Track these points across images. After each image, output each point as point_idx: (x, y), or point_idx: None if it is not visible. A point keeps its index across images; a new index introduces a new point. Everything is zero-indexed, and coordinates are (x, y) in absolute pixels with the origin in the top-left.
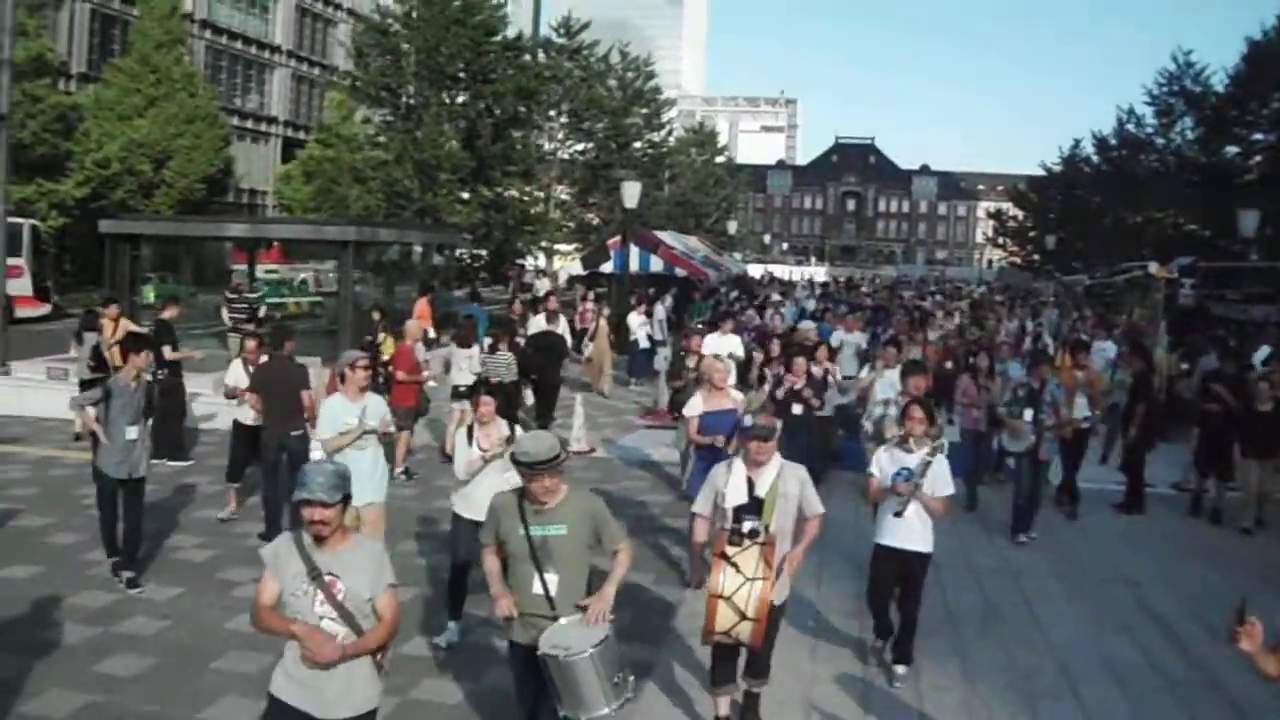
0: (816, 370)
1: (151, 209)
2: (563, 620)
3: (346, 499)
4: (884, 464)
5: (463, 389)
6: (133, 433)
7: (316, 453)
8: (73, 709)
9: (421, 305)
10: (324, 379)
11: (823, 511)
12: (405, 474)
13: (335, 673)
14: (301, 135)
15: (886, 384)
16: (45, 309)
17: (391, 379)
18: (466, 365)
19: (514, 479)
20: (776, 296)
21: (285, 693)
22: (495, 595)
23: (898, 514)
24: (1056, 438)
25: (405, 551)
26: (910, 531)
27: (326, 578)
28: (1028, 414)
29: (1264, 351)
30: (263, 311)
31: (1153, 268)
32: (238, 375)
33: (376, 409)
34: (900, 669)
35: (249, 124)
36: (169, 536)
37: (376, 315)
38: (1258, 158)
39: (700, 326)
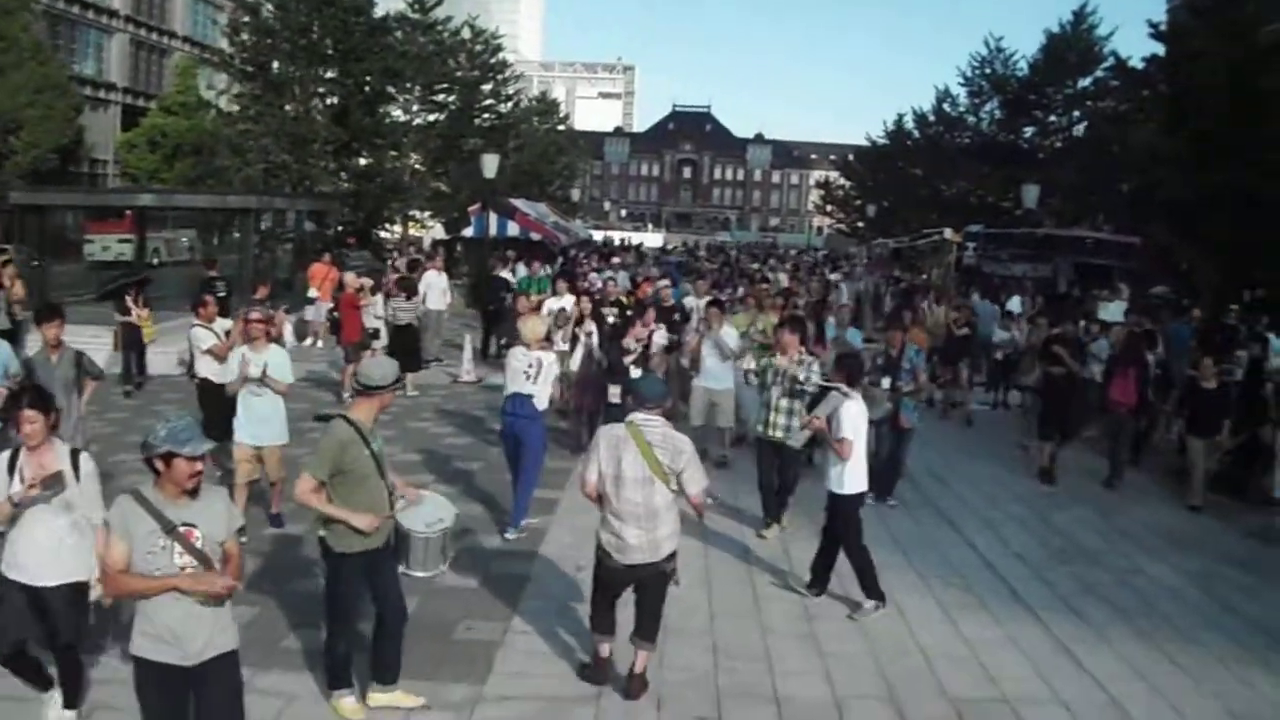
0: (643, 333)
1: (1, 179)
2: (402, 506)
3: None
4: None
5: (370, 331)
6: None
7: None
8: None
9: (319, 266)
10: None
11: None
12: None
13: (201, 620)
14: (140, 102)
15: (710, 344)
16: None
17: (338, 321)
18: (370, 311)
19: (77, 519)
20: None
21: (150, 651)
22: (361, 518)
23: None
24: (919, 404)
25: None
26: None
27: (182, 529)
28: (884, 381)
29: (1015, 301)
30: None
31: (947, 233)
32: (206, 336)
33: (277, 361)
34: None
35: (87, 90)
36: None
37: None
38: (1052, 138)
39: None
